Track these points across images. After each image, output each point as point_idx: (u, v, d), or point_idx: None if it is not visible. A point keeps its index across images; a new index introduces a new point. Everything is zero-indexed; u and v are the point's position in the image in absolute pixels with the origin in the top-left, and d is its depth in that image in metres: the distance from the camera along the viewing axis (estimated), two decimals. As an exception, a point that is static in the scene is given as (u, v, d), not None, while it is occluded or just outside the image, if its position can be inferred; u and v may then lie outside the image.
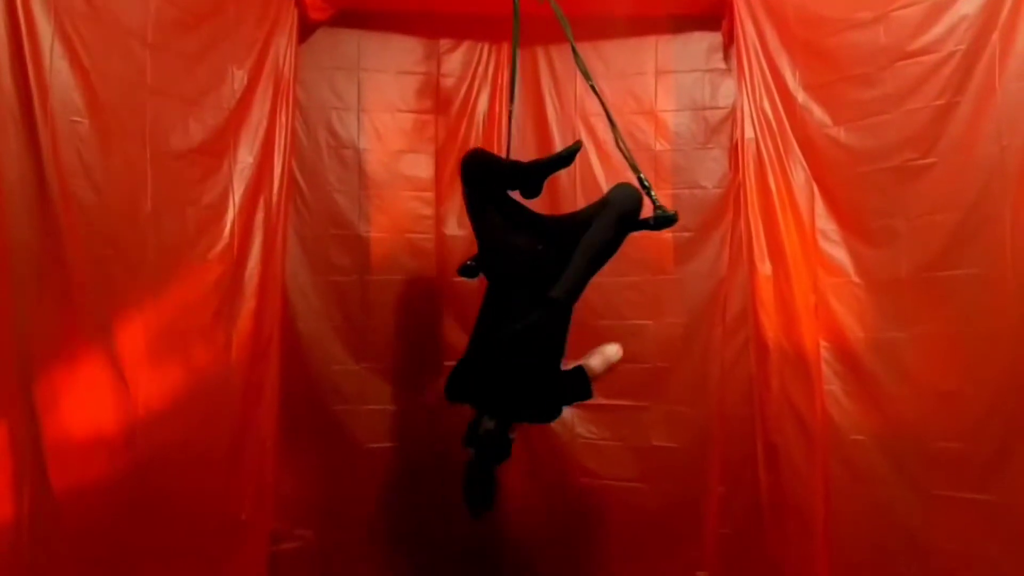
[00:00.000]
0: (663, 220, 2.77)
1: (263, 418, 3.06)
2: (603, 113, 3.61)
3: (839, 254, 3.01)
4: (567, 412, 3.64)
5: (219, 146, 2.89)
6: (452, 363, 3.58)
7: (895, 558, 2.76)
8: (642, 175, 2.83)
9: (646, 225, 2.81)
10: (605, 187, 3.64)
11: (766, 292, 3.23)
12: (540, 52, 3.74)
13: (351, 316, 3.56)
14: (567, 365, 2.94)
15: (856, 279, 2.96)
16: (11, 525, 2.08)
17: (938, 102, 2.74)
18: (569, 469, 3.68)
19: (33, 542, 2.14)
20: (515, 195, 2.98)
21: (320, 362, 3.50)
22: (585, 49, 3.67)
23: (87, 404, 2.36)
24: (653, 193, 2.82)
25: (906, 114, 2.83)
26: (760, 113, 3.28)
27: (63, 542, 2.25)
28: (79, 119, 2.34)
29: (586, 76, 3.01)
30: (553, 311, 2.75)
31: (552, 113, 3.73)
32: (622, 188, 2.85)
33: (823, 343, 3.03)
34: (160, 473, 2.58)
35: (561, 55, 3.72)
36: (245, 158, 2.99)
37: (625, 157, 2.88)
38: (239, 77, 2.98)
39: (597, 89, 3.00)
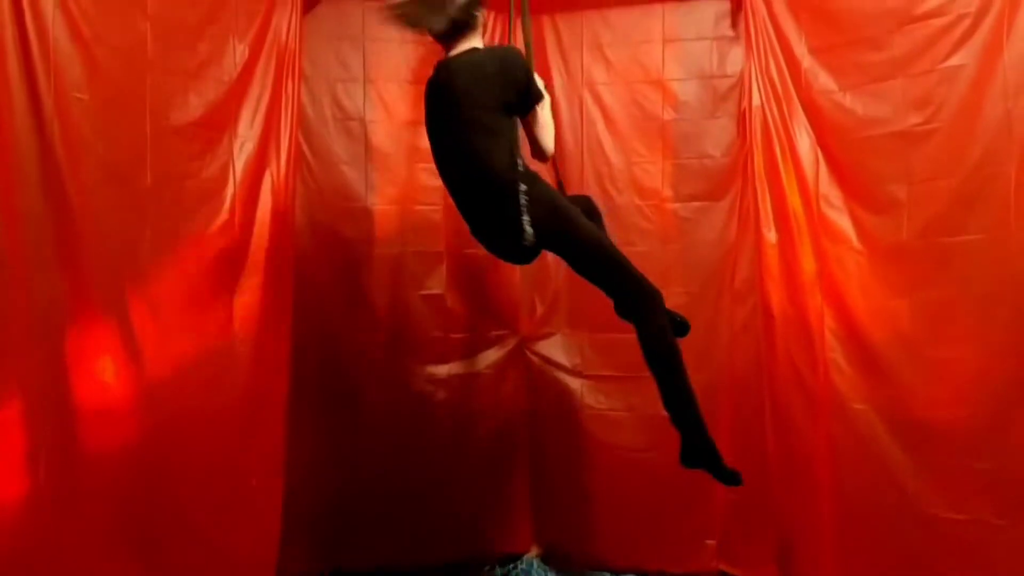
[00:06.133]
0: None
1: (274, 388, 3.08)
2: (610, 82, 3.66)
3: (842, 221, 2.99)
4: (575, 382, 3.71)
5: (219, 120, 2.89)
6: (460, 335, 3.68)
7: (898, 524, 2.77)
8: None
9: None
10: (612, 156, 3.65)
11: (772, 260, 3.23)
12: (546, 21, 3.68)
13: (360, 288, 3.56)
14: None
15: (858, 246, 2.94)
16: (30, 492, 2.17)
17: (944, 65, 2.70)
18: (578, 439, 3.70)
19: (54, 509, 2.23)
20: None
21: (330, 334, 3.51)
22: (592, 16, 3.69)
23: (95, 374, 2.41)
24: None
25: (912, 78, 2.79)
26: (766, 79, 3.25)
27: (80, 507, 2.32)
28: (80, 92, 2.37)
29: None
30: None
31: (559, 82, 3.68)
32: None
33: (826, 310, 3.01)
34: (169, 442, 2.63)
35: (568, 24, 3.68)
36: (246, 131, 2.99)
37: None
38: (240, 50, 2.97)
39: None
